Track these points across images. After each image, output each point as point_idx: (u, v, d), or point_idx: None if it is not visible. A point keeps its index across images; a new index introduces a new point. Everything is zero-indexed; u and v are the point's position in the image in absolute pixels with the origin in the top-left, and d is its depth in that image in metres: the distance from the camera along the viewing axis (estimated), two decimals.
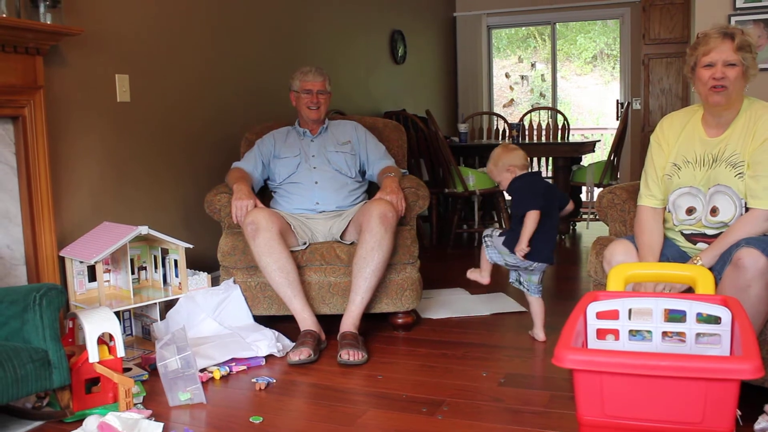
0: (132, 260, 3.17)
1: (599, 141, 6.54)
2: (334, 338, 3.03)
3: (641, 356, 1.59)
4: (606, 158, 5.53)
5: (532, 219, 2.86)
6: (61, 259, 3.02)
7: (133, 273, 3.18)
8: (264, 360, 2.90)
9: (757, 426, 2.06)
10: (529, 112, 7.06)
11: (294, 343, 2.97)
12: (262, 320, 3.19)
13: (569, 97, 9.83)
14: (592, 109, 10.07)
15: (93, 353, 2.38)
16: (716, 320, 1.81)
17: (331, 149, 3.42)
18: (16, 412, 2.40)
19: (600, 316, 1.89)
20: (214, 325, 3.07)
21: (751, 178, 2.27)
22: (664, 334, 1.89)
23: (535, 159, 6.91)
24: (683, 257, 2.40)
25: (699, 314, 1.84)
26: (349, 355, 2.83)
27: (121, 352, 2.45)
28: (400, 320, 3.26)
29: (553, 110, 7.02)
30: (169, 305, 3.14)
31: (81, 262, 3.00)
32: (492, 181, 4.51)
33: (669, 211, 2.47)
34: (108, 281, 3.15)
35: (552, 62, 7.91)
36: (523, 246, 2.87)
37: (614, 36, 8.36)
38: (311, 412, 2.44)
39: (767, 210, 2.23)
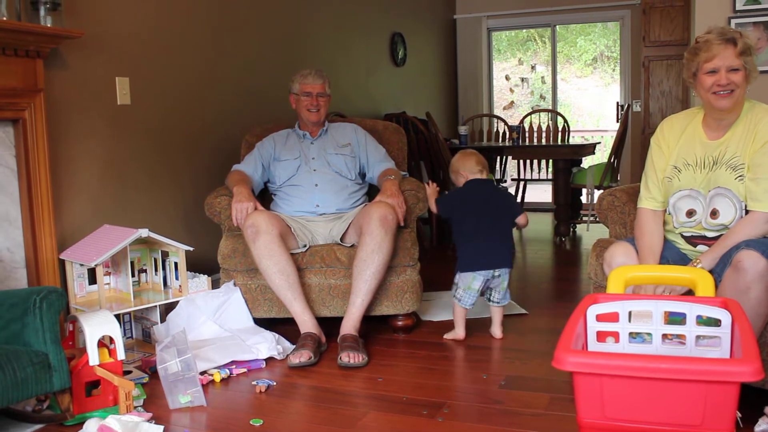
0: (132, 263, 3.17)
1: (599, 143, 6.54)
2: (335, 341, 3.03)
3: (641, 359, 1.59)
4: (606, 160, 5.53)
5: (434, 208, 3.25)
6: (62, 262, 3.02)
7: (133, 276, 3.19)
8: (264, 362, 2.90)
9: (757, 428, 2.06)
10: (530, 114, 7.06)
11: (294, 346, 2.97)
12: (263, 323, 3.19)
13: (569, 99, 9.83)
14: (592, 111, 10.08)
15: (93, 356, 2.39)
16: (716, 323, 1.81)
17: (331, 151, 3.42)
18: (17, 415, 2.40)
19: (600, 318, 1.89)
20: (214, 327, 3.07)
21: (751, 181, 2.27)
22: (664, 336, 1.89)
23: (535, 161, 6.93)
24: (683, 259, 2.40)
25: (699, 316, 1.84)
26: (350, 357, 2.83)
27: (121, 354, 2.45)
28: (400, 323, 3.26)
29: (554, 112, 7.02)
30: (169, 308, 3.14)
31: (81, 264, 3.00)
32: None
33: (669, 214, 2.47)
34: (108, 284, 3.15)
35: (552, 64, 7.91)
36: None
37: (614, 38, 8.36)
38: (311, 414, 2.44)
39: (767, 212, 2.23)
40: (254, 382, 2.67)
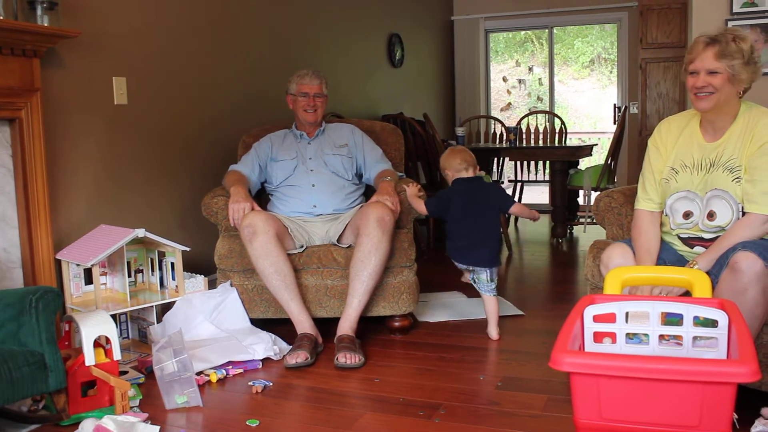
0: (129, 263, 3.17)
1: (596, 145, 6.55)
2: (331, 341, 3.03)
3: (638, 359, 1.59)
4: (603, 162, 5.53)
5: (419, 209, 3.25)
6: (58, 262, 3.01)
7: (129, 276, 3.18)
8: (261, 363, 2.89)
9: (753, 429, 2.06)
10: (527, 115, 7.07)
11: (291, 346, 2.97)
12: (259, 323, 3.18)
13: (566, 100, 9.85)
14: (590, 112, 10.10)
15: (89, 356, 2.38)
16: (713, 323, 1.81)
17: (328, 152, 3.42)
18: (12, 416, 2.40)
19: (597, 319, 1.89)
20: (210, 328, 3.07)
21: (748, 183, 2.27)
22: (661, 337, 1.89)
23: (532, 163, 6.94)
24: (680, 261, 2.40)
25: (696, 317, 1.84)
26: (346, 358, 2.83)
27: (117, 355, 2.45)
28: (397, 323, 3.25)
29: (551, 114, 7.03)
30: (165, 308, 3.14)
31: (77, 264, 3.00)
32: None
33: (666, 215, 2.47)
34: (104, 284, 3.14)
35: (549, 66, 7.92)
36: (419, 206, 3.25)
37: (611, 40, 8.38)
38: (308, 415, 2.44)
39: (764, 214, 2.23)
40: (251, 383, 2.67)
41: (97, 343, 2.42)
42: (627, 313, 1.89)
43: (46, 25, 2.83)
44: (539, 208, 7.35)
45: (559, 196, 5.66)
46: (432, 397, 2.52)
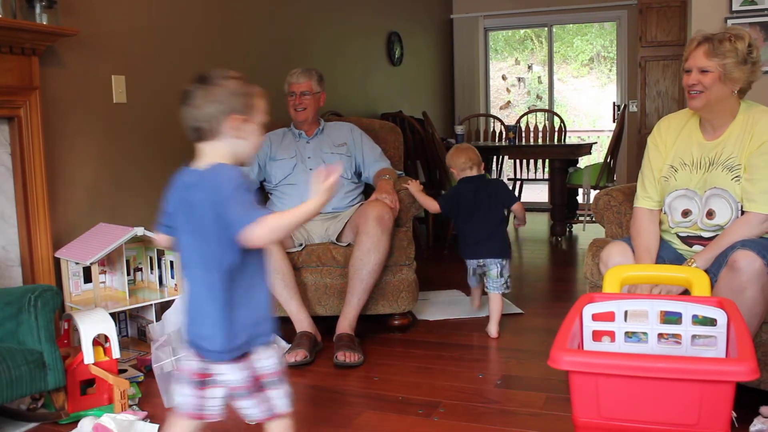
0: (128, 261, 3.17)
1: (596, 143, 6.55)
2: (330, 340, 3.03)
3: (637, 358, 1.59)
4: (602, 160, 5.53)
5: (429, 206, 3.30)
6: (57, 261, 3.01)
7: (128, 274, 3.18)
8: None
9: (752, 428, 2.06)
10: (526, 114, 7.07)
11: (290, 345, 2.97)
12: None
13: (566, 99, 9.85)
14: (589, 111, 10.09)
15: (88, 355, 2.38)
16: (712, 322, 1.81)
17: (326, 151, 3.41)
18: (11, 414, 2.40)
19: (596, 317, 1.89)
20: None
21: (747, 181, 2.27)
22: (660, 335, 1.89)
23: (531, 161, 6.93)
24: (679, 260, 2.40)
25: (695, 316, 1.84)
26: (345, 356, 2.83)
27: (116, 353, 2.45)
28: (396, 322, 3.25)
29: (550, 112, 7.03)
30: (164, 306, 3.13)
31: (76, 263, 3.00)
32: None
33: (665, 213, 2.47)
34: (103, 282, 3.14)
35: (549, 64, 7.92)
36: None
37: (611, 38, 8.38)
38: (307, 413, 2.43)
39: (763, 213, 2.23)
40: None
41: (96, 342, 2.42)
42: (626, 312, 1.89)
43: (44, 23, 2.82)
44: (539, 207, 7.38)
45: (559, 194, 5.66)
46: (431, 395, 2.52)
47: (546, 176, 6.60)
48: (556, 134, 6.57)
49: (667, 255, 2.41)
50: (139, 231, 2.98)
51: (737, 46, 2.24)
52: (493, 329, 3.17)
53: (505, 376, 2.70)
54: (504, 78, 9.27)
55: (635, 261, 2.37)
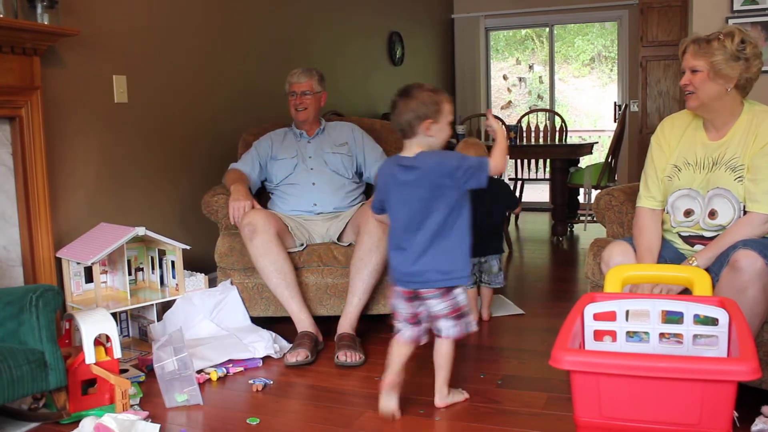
0: (129, 261, 3.17)
1: (597, 143, 6.55)
2: (332, 339, 3.03)
3: (638, 357, 1.59)
4: (603, 160, 5.53)
5: None
6: (58, 260, 3.01)
7: (130, 274, 3.18)
8: (261, 361, 2.89)
9: (754, 428, 2.06)
10: (527, 114, 7.06)
11: (291, 345, 2.97)
12: (260, 321, 3.18)
13: (567, 99, 9.84)
14: (590, 111, 10.09)
15: (89, 354, 2.38)
16: (713, 322, 1.81)
17: (327, 150, 3.41)
18: (12, 414, 2.40)
19: (597, 317, 1.89)
20: (211, 326, 3.07)
21: (750, 182, 2.27)
22: (662, 335, 1.89)
23: (532, 161, 6.92)
24: (680, 259, 2.40)
25: (696, 316, 1.84)
26: (347, 356, 2.83)
27: (117, 353, 2.45)
28: None
29: (551, 112, 7.02)
30: (166, 306, 3.13)
31: (78, 263, 3.00)
32: None
33: (667, 212, 2.46)
34: (105, 282, 3.15)
35: (550, 64, 7.91)
36: None
37: (612, 38, 8.38)
38: (308, 413, 2.44)
39: (765, 213, 2.22)
40: (251, 381, 2.67)
41: (97, 341, 2.42)
42: (627, 312, 1.89)
43: (46, 23, 2.82)
44: (540, 207, 7.38)
45: (560, 194, 5.66)
46: (432, 395, 2.51)
47: (547, 176, 6.59)
48: (557, 134, 6.56)
49: (668, 254, 2.41)
50: (141, 231, 2.98)
51: (725, 44, 2.25)
52: (485, 312, 3.39)
53: (506, 375, 2.70)
54: (505, 78, 9.26)
55: (637, 260, 2.37)
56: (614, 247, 2.42)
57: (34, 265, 2.90)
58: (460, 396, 2.47)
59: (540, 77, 9.17)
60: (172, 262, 3.14)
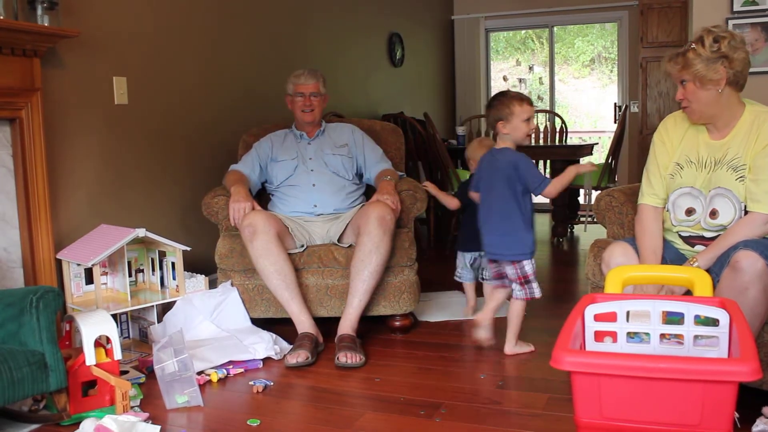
0: (129, 263, 3.17)
1: (597, 144, 6.55)
2: (332, 341, 3.03)
3: (639, 358, 1.59)
4: (604, 161, 5.53)
5: (449, 203, 3.57)
6: (58, 262, 3.01)
7: (130, 275, 3.18)
8: (261, 363, 2.89)
9: (755, 428, 2.06)
10: None
11: (291, 346, 2.97)
12: (260, 323, 3.18)
13: (567, 100, 9.84)
14: (590, 112, 10.09)
15: (90, 356, 2.38)
16: (714, 322, 1.81)
17: (328, 152, 3.41)
18: (13, 415, 2.40)
19: (598, 318, 1.89)
20: (211, 327, 3.07)
21: (752, 182, 2.27)
22: (662, 336, 1.89)
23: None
24: (681, 259, 2.40)
25: (697, 316, 1.84)
26: (347, 357, 2.83)
27: (118, 354, 2.45)
28: (397, 323, 3.25)
29: (551, 113, 7.02)
30: (166, 308, 3.13)
31: (78, 264, 3.00)
32: None
33: (667, 210, 2.46)
34: (105, 284, 3.14)
35: (550, 65, 7.92)
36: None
37: (612, 39, 8.38)
38: (309, 414, 2.43)
39: (767, 214, 2.22)
40: (251, 382, 2.67)
41: (97, 343, 2.42)
42: (628, 312, 1.89)
43: (46, 24, 2.82)
44: (540, 208, 7.37)
45: (560, 195, 5.64)
46: (433, 396, 2.52)
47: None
48: (557, 135, 6.56)
49: (668, 255, 2.41)
50: (141, 232, 2.98)
51: (699, 51, 2.27)
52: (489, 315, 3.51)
53: (506, 376, 2.69)
54: (505, 79, 9.26)
55: (641, 262, 2.36)
56: (615, 247, 2.42)
57: (35, 266, 2.90)
58: (527, 348, 2.96)
59: (540, 78, 9.17)
60: (173, 264, 3.14)
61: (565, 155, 5.73)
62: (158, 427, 2.26)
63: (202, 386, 2.63)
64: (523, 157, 2.85)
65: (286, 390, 2.65)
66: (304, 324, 3.03)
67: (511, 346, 2.93)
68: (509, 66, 9.35)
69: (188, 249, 3.14)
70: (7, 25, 2.64)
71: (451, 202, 3.52)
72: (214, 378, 2.72)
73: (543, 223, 6.51)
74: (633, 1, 6.80)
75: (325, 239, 3.28)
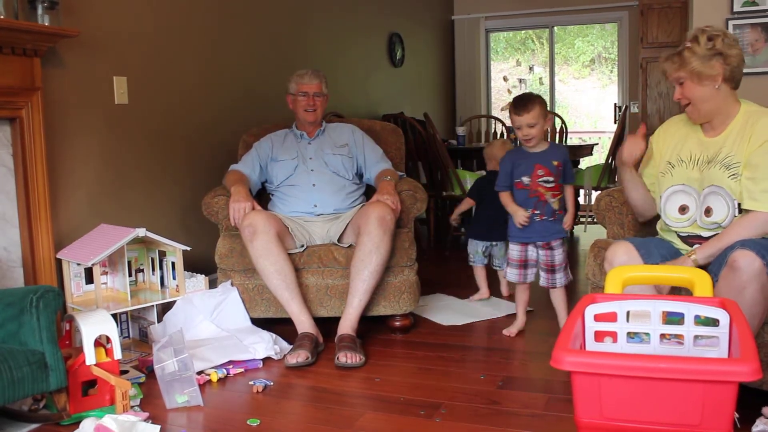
0: (129, 262, 3.17)
1: (597, 144, 6.55)
2: (332, 341, 3.03)
3: (639, 358, 1.59)
4: (604, 161, 5.53)
5: (464, 205, 3.96)
6: (58, 262, 3.01)
7: (130, 275, 3.18)
8: (261, 362, 2.89)
9: (755, 428, 2.06)
10: None
11: (291, 346, 2.97)
12: (260, 323, 3.18)
13: (567, 100, 9.84)
14: (590, 112, 10.09)
15: (90, 355, 2.38)
16: (714, 322, 1.81)
17: (328, 151, 3.41)
18: (13, 415, 2.40)
19: (598, 318, 1.89)
20: (211, 327, 3.07)
21: (749, 180, 2.27)
22: (662, 336, 1.89)
23: None
24: (677, 256, 2.40)
25: (697, 316, 1.84)
26: (347, 357, 2.83)
27: (118, 354, 2.45)
28: (397, 323, 3.25)
29: (551, 113, 7.01)
30: (166, 308, 3.13)
31: (78, 264, 3.00)
32: None
33: (662, 210, 2.48)
34: (105, 283, 3.14)
35: (550, 65, 7.92)
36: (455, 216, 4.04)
37: (612, 39, 8.38)
38: (309, 414, 2.43)
39: (766, 212, 2.23)
40: (251, 382, 2.67)
41: (97, 343, 2.42)
42: (628, 313, 1.89)
43: (46, 24, 2.82)
44: None
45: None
46: (433, 396, 2.52)
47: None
48: (557, 135, 6.56)
49: (667, 252, 2.41)
50: (141, 232, 2.98)
51: (694, 49, 2.29)
52: (504, 290, 3.85)
53: (506, 377, 2.70)
54: (505, 79, 9.26)
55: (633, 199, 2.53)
56: (618, 247, 2.42)
57: (35, 266, 2.90)
58: None
59: (540, 78, 9.17)
60: (173, 264, 3.14)
61: None
62: (158, 427, 2.26)
63: (202, 386, 2.63)
64: (501, 161, 3.12)
65: (286, 390, 2.65)
66: (304, 324, 3.03)
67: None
68: (509, 66, 9.35)
69: (188, 249, 3.14)
70: (7, 24, 2.64)
71: (466, 205, 3.92)
72: (214, 378, 2.72)
73: None
74: (633, 1, 6.80)
75: (325, 239, 3.28)
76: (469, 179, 5.10)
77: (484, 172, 4.40)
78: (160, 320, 3.10)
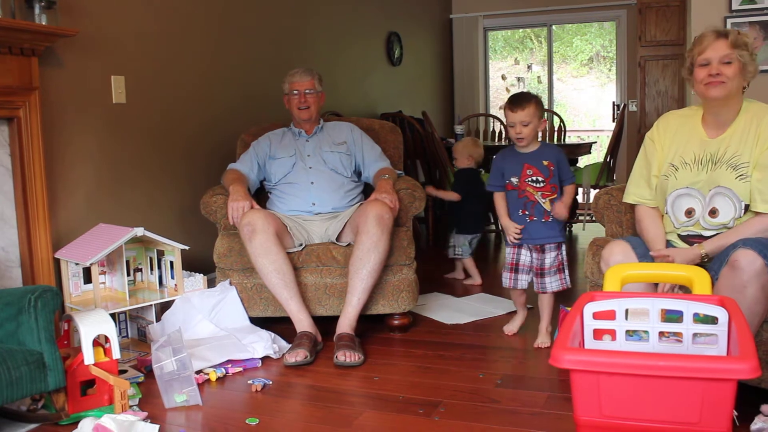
0: (128, 262, 3.16)
1: (595, 143, 6.55)
2: (331, 340, 3.03)
3: (638, 356, 1.59)
4: (602, 160, 5.53)
5: (449, 196, 4.17)
6: (57, 261, 3.01)
7: (128, 275, 3.18)
8: (260, 361, 2.89)
9: (753, 426, 2.06)
10: None
11: (290, 345, 2.97)
12: (259, 322, 3.18)
13: (565, 99, 9.84)
14: (589, 111, 10.09)
15: (88, 355, 2.38)
16: (713, 320, 1.81)
17: (326, 149, 3.41)
18: (11, 415, 2.39)
19: (597, 316, 1.89)
20: (210, 326, 3.07)
21: (759, 181, 2.26)
22: (661, 334, 1.89)
23: None
24: None
25: (696, 314, 1.84)
26: (346, 356, 2.83)
27: (116, 354, 2.44)
28: (396, 322, 3.25)
29: (550, 112, 7.02)
30: (164, 307, 3.13)
31: (76, 263, 2.99)
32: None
33: (667, 213, 2.46)
34: (103, 283, 3.14)
35: (548, 64, 7.92)
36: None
37: (610, 38, 8.37)
38: (308, 413, 2.43)
39: None
40: (250, 381, 2.67)
41: (96, 342, 2.42)
42: (627, 310, 1.89)
43: (44, 24, 2.82)
44: None
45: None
46: (432, 395, 2.52)
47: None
48: (555, 134, 6.56)
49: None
50: (139, 231, 2.97)
51: (746, 40, 2.30)
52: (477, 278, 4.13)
53: (505, 375, 2.69)
54: (503, 78, 9.26)
55: (649, 247, 2.39)
56: (614, 246, 2.42)
57: (33, 266, 2.90)
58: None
59: (538, 77, 9.17)
60: (171, 263, 3.14)
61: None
62: (157, 426, 2.26)
63: (200, 385, 2.63)
64: (493, 162, 3.17)
65: (285, 389, 2.65)
66: (302, 323, 3.02)
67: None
68: (508, 65, 9.35)
69: (187, 248, 3.14)
70: (5, 24, 2.63)
71: (452, 196, 4.09)
72: (213, 377, 2.72)
73: None
74: (631, 0, 6.80)
75: (323, 238, 3.28)
76: None
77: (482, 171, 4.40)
78: (158, 320, 3.09)
